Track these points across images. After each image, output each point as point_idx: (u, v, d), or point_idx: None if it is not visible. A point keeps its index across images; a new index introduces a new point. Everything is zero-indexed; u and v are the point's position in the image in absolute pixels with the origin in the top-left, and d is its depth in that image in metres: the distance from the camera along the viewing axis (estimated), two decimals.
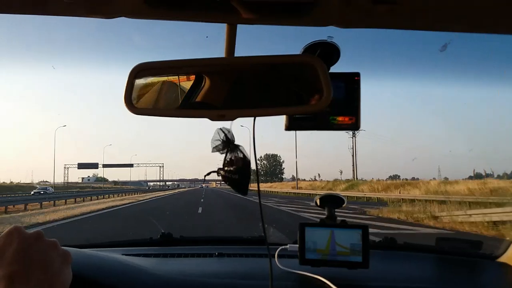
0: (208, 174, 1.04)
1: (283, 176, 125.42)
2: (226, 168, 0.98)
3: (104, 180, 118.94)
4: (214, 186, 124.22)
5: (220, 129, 0.97)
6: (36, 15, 0.65)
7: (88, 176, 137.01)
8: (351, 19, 0.70)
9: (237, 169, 0.97)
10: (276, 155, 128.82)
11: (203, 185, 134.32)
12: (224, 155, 0.99)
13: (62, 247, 0.65)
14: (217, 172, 0.99)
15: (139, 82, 0.75)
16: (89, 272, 1.11)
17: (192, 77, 0.79)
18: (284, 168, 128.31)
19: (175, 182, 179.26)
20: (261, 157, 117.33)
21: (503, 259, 1.56)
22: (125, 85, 0.73)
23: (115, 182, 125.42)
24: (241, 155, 0.98)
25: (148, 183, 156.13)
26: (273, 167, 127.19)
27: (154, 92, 0.79)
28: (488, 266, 1.57)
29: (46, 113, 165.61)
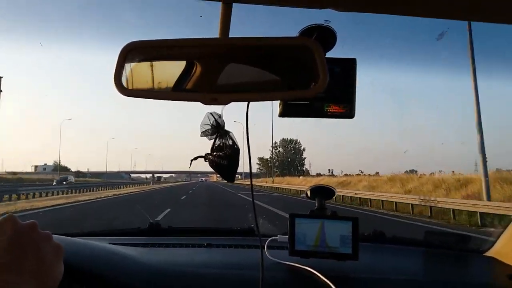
0: (195, 159, 1.02)
1: (304, 168, 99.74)
2: (214, 153, 0.96)
3: (64, 169, 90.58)
4: (215, 180, 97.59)
5: (211, 113, 0.95)
6: None
7: (45, 164, 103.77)
8: (349, 3, 0.69)
9: (226, 155, 0.95)
10: (295, 141, 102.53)
11: (203, 178, 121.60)
12: (213, 140, 0.96)
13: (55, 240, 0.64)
14: (205, 157, 0.97)
15: (130, 62, 0.72)
16: (76, 261, 1.09)
17: (184, 57, 0.76)
18: (305, 158, 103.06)
19: (172, 175, 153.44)
20: (275, 143, 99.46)
21: (490, 253, 1.57)
22: (115, 65, 0.71)
23: (79, 175, 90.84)
24: (231, 142, 0.96)
25: (132, 175, 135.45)
26: (291, 156, 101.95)
27: (146, 74, 0.76)
28: (476, 260, 1.59)
29: (26, 92, 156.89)
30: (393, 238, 1.80)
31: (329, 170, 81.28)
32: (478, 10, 0.72)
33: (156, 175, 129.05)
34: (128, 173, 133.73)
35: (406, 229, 11.03)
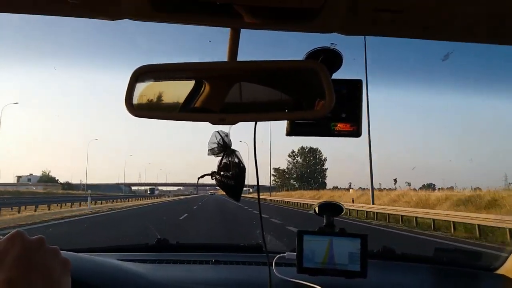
0: (202, 177, 1.04)
1: (326, 180, 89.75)
2: (222, 173, 0.97)
3: (51, 180, 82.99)
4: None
5: (218, 132, 0.97)
6: (40, 15, 0.65)
7: (30, 174, 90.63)
8: (355, 27, 0.70)
9: (233, 174, 0.96)
10: (316, 150, 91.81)
11: (211, 191, 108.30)
12: (219, 158, 0.98)
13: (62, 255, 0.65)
14: (211, 175, 0.99)
15: (141, 84, 0.75)
16: (85, 277, 1.10)
17: (194, 80, 0.78)
18: (327, 169, 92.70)
19: (180, 188, 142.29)
20: (293, 152, 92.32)
21: (501, 271, 1.55)
22: (127, 87, 0.73)
23: (64, 186, 77.50)
24: (237, 160, 0.97)
25: (133, 187, 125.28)
26: (311, 167, 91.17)
27: (156, 95, 0.78)
28: (487, 278, 1.57)
29: (44, 113, 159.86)
30: (402, 255, 1.78)
31: (349, 183, 73.13)
32: (482, 32, 0.74)
33: (148, 187, 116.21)
34: (128, 185, 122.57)
35: None
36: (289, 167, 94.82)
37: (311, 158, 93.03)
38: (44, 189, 57.91)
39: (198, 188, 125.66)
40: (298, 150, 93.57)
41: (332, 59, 0.86)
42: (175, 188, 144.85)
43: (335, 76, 0.89)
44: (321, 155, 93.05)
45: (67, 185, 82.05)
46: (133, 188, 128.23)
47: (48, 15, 0.65)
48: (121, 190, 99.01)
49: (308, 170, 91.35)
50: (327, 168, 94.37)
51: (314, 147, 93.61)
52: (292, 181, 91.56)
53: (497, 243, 11.23)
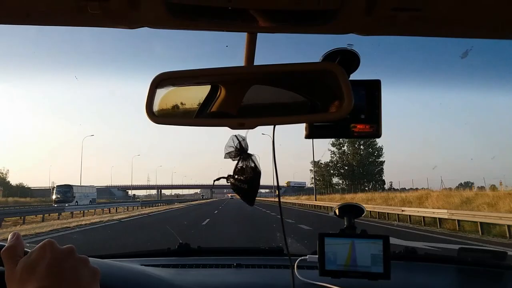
0: (218, 179, 1.04)
1: (383, 177, 64.90)
2: (236, 176, 0.98)
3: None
4: None
5: (235, 136, 0.97)
6: (61, 26, 0.66)
7: None
8: (372, 27, 0.70)
9: (247, 179, 0.97)
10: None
11: (229, 195, 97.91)
12: (236, 162, 0.99)
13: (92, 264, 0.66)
14: (227, 178, 0.99)
15: (161, 91, 0.76)
16: (112, 283, 1.12)
17: (212, 85, 0.79)
18: (384, 162, 65.86)
19: (197, 191, 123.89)
20: (338, 141, 63.53)
21: None
22: (147, 94, 0.74)
23: (12, 191, 58.55)
24: (253, 165, 0.98)
25: (133, 191, 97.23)
26: (364, 159, 65.30)
27: (175, 102, 0.79)
28: (511, 277, 1.53)
29: (67, 122, 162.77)
30: (425, 256, 1.76)
31: (390, 183, 60.92)
32: (501, 29, 0.72)
33: (131, 191, 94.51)
34: (125, 188, 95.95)
35: None
36: (333, 159, 68.86)
37: (364, 146, 65.62)
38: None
39: (212, 191, 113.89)
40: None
41: (350, 60, 0.86)
42: (192, 191, 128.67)
43: (353, 77, 0.89)
44: (375, 143, 64.68)
45: (20, 190, 61.97)
46: (136, 193, 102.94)
47: (68, 25, 0.67)
48: (113, 196, 79.31)
49: (360, 163, 65.61)
50: (384, 161, 66.59)
51: None
52: (337, 179, 68.00)
53: None
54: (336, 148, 67.99)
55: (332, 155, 68.70)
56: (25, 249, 0.64)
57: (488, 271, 1.60)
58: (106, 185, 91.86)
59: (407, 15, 0.63)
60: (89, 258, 0.66)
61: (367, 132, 0.93)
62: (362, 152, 66.54)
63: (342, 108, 0.71)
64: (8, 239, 0.64)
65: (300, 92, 0.78)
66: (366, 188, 58.29)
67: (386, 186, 60.17)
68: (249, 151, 0.97)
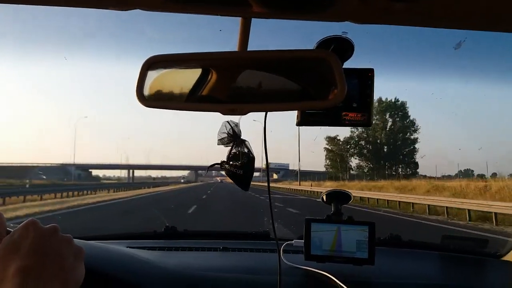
0: (212, 166, 1.05)
1: (417, 160, 51.62)
2: (231, 162, 0.98)
3: None
4: None
5: (228, 121, 0.97)
6: (52, 6, 0.65)
7: None
8: (368, 15, 0.69)
9: (242, 164, 0.97)
10: (403, 105, 51.74)
11: (218, 178, 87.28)
12: (229, 148, 0.99)
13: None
14: (221, 165, 1.00)
15: (152, 75, 0.74)
16: (96, 264, 1.12)
17: (204, 70, 0.78)
18: (417, 139, 51.99)
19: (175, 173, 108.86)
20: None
21: (508, 257, 1.56)
22: (137, 77, 0.73)
23: None
24: (246, 150, 0.98)
25: (99, 171, 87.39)
26: (395, 134, 52.07)
27: (166, 85, 0.78)
28: (493, 265, 1.58)
29: (56, 104, 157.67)
30: (409, 242, 1.79)
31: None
32: (496, 20, 0.73)
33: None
34: (87, 167, 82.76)
35: None
36: (353, 135, 54.27)
37: (396, 117, 50.60)
38: None
39: (198, 173, 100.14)
40: (376, 107, 47.49)
41: (344, 48, 0.86)
42: (176, 173, 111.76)
43: (347, 65, 0.89)
44: (406, 112, 49.69)
45: None
46: (98, 173, 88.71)
47: (59, 5, 0.65)
48: (68, 176, 62.19)
49: (390, 139, 50.80)
50: (418, 138, 51.61)
51: (399, 100, 50.34)
52: (357, 160, 53.61)
53: None
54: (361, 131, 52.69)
55: (353, 129, 52.61)
56: (8, 228, 0.63)
57: (470, 258, 1.65)
58: (62, 162, 74.81)
59: (401, 5, 0.63)
60: (76, 239, 0.66)
61: (358, 121, 0.94)
62: (392, 126, 50.66)
63: (335, 96, 0.71)
64: None
65: (293, 79, 0.77)
66: (394, 173, 47.25)
67: (420, 171, 47.86)
68: (242, 136, 0.97)
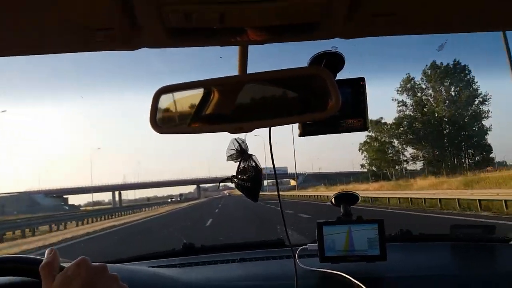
0: (222, 181, 1.11)
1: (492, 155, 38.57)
2: (239, 176, 1.05)
3: None
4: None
5: (235, 139, 1.04)
6: (66, 53, 0.71)
7: None
8: (354, 31, 0.75)
9: (250, 177, 1.03)
10: (464, 68, 38.85)
11: (226, 192, 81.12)
12: (237, 163, 1.05)
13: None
14: (231, 179, 1.06)
15: (163, 104, 0.81)
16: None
17: (210, 94, 0.85)
18: (489, 113, 38.17)
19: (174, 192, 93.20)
20: (408, 77, 40.54)
21: None
22: (150, 107, 0.79)
23: None
24: (254, 164, 1.04)
25: (68, 198, 72.39)
26: (462, 111, 38.38)
27: (176, 112, 0.85)
28: (503, 250, 1.62)
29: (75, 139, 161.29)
30: (419, 236, 1.83)
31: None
32: (474, 21, 0.79)
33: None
34: (61, 193, 69.89)
35: None
36: (405, 116, 41.90)
37: (459, 84, 38.32)
38: None
39: (200, 189, 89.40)
40: (425, 70, 38.15)
41: (335, 61, 0.92)
42: (181, 190, 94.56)
43: (340, 76, 0.95)
44: (473, 80, 37.96)
45: None
46: (74, 200, 73.82)
47: (75, 52, 0.71)
48: (37, 207, 52.35)
49: (456, 115, 37.93)
50: (490, 111, 38.93)
51: (460, 62, 38.11)
52: (411, 149, 41.18)
53: None
54: (408, 94, 39.78)
55: (401, 109, 40.04)
56: (61, 264, 0.68)
57: (479, 245, 1.69)
58: (28, 190, 59.85)
59: (383, 19, 0.69)
60: (109, 265, 0.71)
61: (355, 127, 1.00)
62: (456, 96, 37.19)
63: (332, 106, 0.77)
64: (45, 255, 0.68)
65: (292, 95, 0.84)
66: (464, 165, 35.93)
67: (496, 158, 36.22)
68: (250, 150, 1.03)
